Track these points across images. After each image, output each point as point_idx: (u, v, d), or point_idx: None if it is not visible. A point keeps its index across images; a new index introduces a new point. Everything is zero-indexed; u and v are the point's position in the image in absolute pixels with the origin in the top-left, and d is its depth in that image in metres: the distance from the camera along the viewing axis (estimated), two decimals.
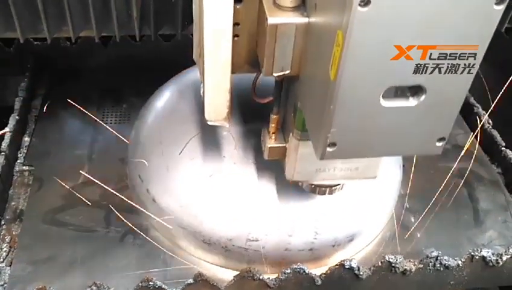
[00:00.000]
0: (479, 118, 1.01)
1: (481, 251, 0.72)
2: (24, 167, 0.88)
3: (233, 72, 0.58)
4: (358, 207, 0.76)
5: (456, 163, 0.88)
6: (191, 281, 0.67)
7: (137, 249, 0.77)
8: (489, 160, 0.98)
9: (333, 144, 0.50)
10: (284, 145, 0.66)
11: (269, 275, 0.69)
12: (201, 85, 0.61)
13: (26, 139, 0.93)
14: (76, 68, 1.08)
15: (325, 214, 0.73)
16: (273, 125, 0.66)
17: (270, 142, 0.66)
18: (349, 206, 0.75)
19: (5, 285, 0.71)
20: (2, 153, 0.84)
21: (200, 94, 0.79)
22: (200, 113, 0.80)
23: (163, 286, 0.66)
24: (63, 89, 1.05)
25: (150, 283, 0.66)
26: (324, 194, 0.69)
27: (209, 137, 0.76)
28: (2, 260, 0.75)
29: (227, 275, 0.73)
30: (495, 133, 0.98)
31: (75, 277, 0.73)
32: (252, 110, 0.72)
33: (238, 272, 0.68)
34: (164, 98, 0.86)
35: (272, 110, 0.65)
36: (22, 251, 0.76)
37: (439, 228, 0.83)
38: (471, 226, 0.84)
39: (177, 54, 1.04)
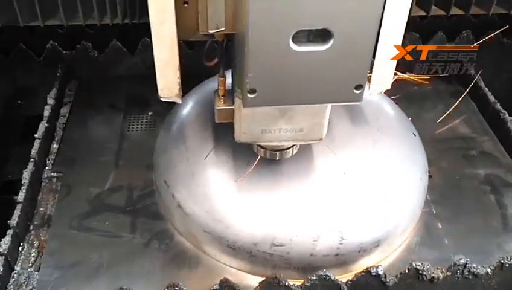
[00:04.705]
0: (506, 124, 0.99)
1: (511, 259, 0.71)
2: (52, 174, 0.90)
3: (186, 39, 0.59)
4: (384, 212, 0.75)
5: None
6: (216, 286, 0.67)
7: (162, 255, 0.77)
8: None
9: (253, 91, 0.54)
10: (232, 107, 0.67)
11: (295, 281, 0.69)
12: None
13: (55, 146, 0.95)
14: (103, 76, 1.10)
15: (351, 219, 0.73)
16: (221, 87, 0.67)
17: (219, 104, 0.68)
18: (375, 211, 0.74)
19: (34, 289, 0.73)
20: (32, 160, 0.85)
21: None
22: None
23: None
24: (90, 97, 1.07)
25: (176, 288, 0.67)
26: (275, 158, 0.72)
27: (234, 143, 0.76)
28: (30, 265, 0.76)
29: (252, 281, 0.73)
30: None
31: (101, 282, 0.74)
32: None
33: (263, 278, 0.68)
34: (189, 106, 0.87)
35: (219, 73, 0.66)
36: (50, 256, 0.77)
37: (467, 235, 0.82)
38: (500, 233, 0.82)
39: (202, 63, 1.05)
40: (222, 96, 0.68)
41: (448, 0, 1.01)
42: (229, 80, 0.68)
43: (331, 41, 0.51)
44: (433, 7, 1.01)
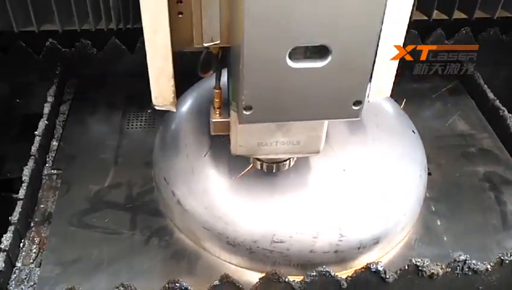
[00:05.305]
0: (505, 121, 0.99)
1: (511, 255, 0.71)
2: (52, 171, 0.90)
3: (181, 49, 0.58)
4: (383, 210, 0.75)
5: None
6: (217, 282, 0.67)
7: (162, 252, 0.77)
8: None
9: (249, 108, 0.53)
10: (228, 119, 0.67)
11: (294, 278, 0.69)
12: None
13: (54, 143, 0.95)
14: (102, 74, 1.10)
15: (350, 216, 0.73)
16: (216, 100, 0.67)
17: (215, 117, 0.67)
18: (375, 208, 0.74)
19: (35, 285, 0.73)
20: (32, 157, 0.85)
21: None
22: None
23: (190, 288, 0.67)
24: (89, 94, 1.07)
25: (176, 284, 0.67)
26: (272, 171, 0.71)
27: None
28: (31, 261, 0.76)
29: (252, 277, 0.73)
30: None
31: (101, 278, 0.74)
32: None
33: (263, 274, 0.68)
34: (188, 103, 0.87)
35: (214, 86, 0.65)
36: (51, 252, 0.77)
37: (466, 232, 0.82)
38: (500, 230, 0.82)
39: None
40: (218, 108, 0.67)
41: (451, 5, 1.00)
42: (224, 78, 0.67)
43: (329, 58, 0.50)
44: (435, 11, 1.00)
